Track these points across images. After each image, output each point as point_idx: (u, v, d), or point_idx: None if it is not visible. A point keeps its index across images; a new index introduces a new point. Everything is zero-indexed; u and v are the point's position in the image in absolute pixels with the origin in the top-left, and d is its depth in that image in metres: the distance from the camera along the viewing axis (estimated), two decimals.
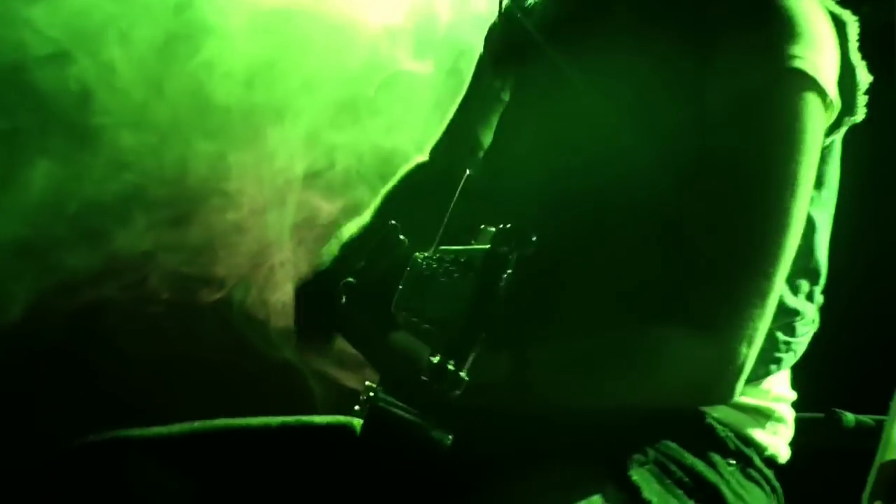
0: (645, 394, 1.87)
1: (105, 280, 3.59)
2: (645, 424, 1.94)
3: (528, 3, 2.46)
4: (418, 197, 2.60)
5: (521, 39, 2.39)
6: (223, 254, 3.80)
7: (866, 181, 2.45)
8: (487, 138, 2.51)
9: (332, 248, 2.46)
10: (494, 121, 2.47)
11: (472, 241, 1.82)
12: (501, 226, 1.56)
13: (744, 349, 1.82)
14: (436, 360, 1.50)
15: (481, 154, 2.50)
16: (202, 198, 3.75)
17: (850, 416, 3.12)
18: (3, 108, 3.56)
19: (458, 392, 1.54)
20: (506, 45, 2.47)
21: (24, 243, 3.51)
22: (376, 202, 2.60)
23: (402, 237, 2.08)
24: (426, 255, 1.94)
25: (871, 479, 3.00)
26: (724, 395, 1.86)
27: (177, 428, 2.26)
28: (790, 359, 2.08)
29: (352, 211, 3.05)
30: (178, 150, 3.65)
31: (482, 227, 1.70)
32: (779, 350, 2.04)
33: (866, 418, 3.12)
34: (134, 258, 3.65)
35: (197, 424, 2.27)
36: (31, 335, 3.52)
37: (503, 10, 2.41)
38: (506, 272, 1.53)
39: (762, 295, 1.86)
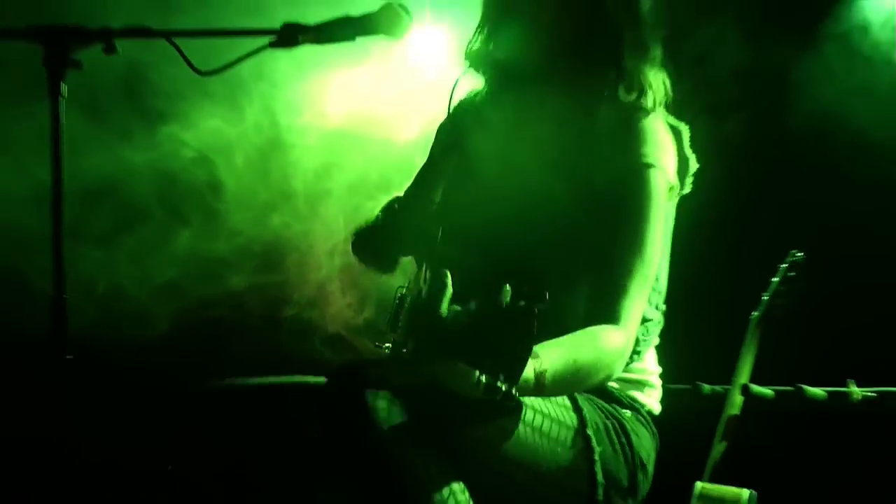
0: (605, 381, 2.24)
1: (220, 304, 4.33)
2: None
3: (472, 99, 2.69)
4: (392, 219, 2.78)
5: (465, 131, 2.65)
6: (296, 285, 4.56)
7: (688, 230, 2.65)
8: (434, 194, 2.70)
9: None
10: (439, 183, 2.71)
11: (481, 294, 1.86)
12: (523, 287, 1.71)
13: (635, 338, 2.26)
14: (485, 380, 1.70)
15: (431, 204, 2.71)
16: (286, 250, 4.53)
17: (706, 387, 4.02)
18: (162, 194, 4.31)
19: (513, 403, 1.81)
20: (453, 134, 2.70)
21: (172, 281, 4.23)
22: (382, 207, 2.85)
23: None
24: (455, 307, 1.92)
25: (719, 429, 3.83)
26: (622, 368, 2.24)
27: (269, 379, 2.43)
28: (647, 347, 2.44)
29: None
30: (270, 220, 4.44)
31: (504, 286, 1.72)
32: (639, 344, 2.38)
33: (719, 388, 3.99)
34: (239, 289, 4.40)
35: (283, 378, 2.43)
36: (176, 339, 4.22)
37: (451, 110, 2.67)
38: (535, 320, 1.67)
39: (644, 302, 2.30)
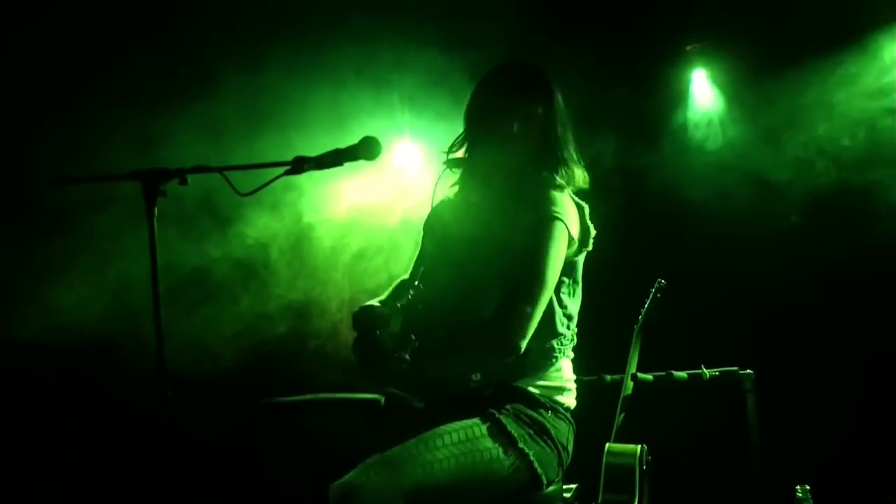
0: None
1: (270, 343, 4.37)
2: (504, 396, 2.26)
3: (446, 196, 2.59)
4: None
5: (441, 215, 2.56)
6: (318, 327, 4.57)
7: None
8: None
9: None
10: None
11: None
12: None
13: (522, 342, 2.17)
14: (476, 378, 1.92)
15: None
16: (311, 305, 4.53)
17: (608, 377, 3.97)
18: (231, 273, 4.27)
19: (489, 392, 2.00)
20: (433, 223, 2.58)
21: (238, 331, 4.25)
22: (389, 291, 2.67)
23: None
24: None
25: (619, 405, 3.81)
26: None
27: (320, 396, 2.36)
28: (562, 358, 2.35)
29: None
30: (300, 284, 4.41)
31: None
32: (556, 354, 2.33)
33: (616, 377, 3.95)
34: (282, 333, 4.40)
35: (327, 395, 2.37)
36: (241, 370, 4.19)
37: (432, 204, 2.57)
38: None
39: (534, 307, 2.20)
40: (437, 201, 2.56)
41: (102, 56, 3.79)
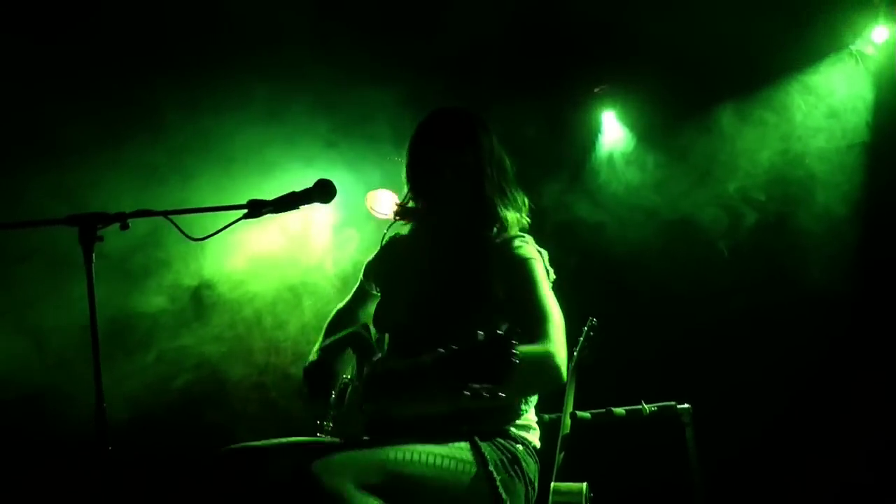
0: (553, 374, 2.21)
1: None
2: (487, 432, 2.31)
3: (396, 240, 2.63)
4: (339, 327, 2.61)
5: (395, 257, 2.61)
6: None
7: None
8: (363, 309, 2.70)
9: (314, 352, 2.53)
10: (368, 302, 2.68)
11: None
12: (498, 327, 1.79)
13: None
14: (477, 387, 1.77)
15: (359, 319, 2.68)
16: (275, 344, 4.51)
17: (546, 416, 3.85)
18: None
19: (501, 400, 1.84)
20: (382, 264, 2.64)
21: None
22: (322, 333, 2.70)
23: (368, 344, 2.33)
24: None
25: (558, 444, 3.79)
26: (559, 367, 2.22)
27: (284, 440, 2.31)
28: (533, 402, 2.45)
29: None
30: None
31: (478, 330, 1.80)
32: (528, 400, 2.42)
33: (554, 416, 3.90)
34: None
35: (293, 439, 2.33)
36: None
37: (383, 243, 2.63)
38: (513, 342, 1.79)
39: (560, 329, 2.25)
40: (384, 245, 2.60)
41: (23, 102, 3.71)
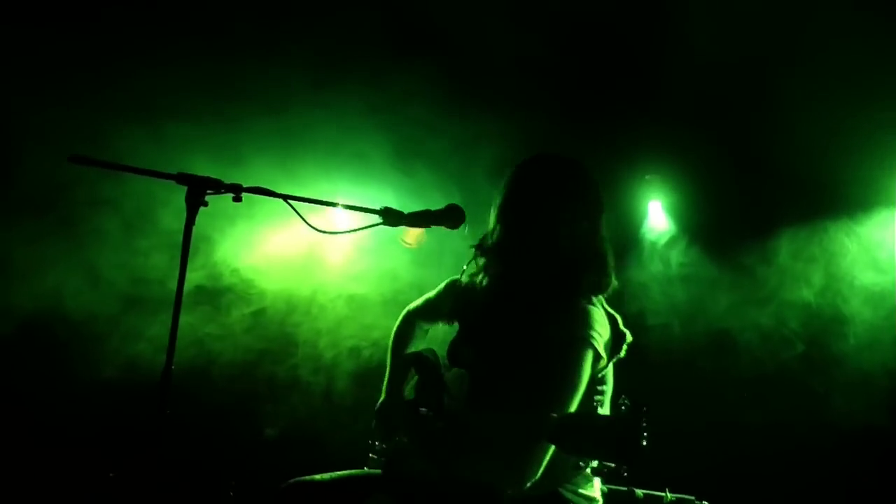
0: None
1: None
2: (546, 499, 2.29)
3: (475, 281, 2.54)
4: (408, 341, 2.74)
5: (468, 304, 2.54)
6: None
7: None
8: (431, 322, 2.73)
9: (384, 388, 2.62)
10: (437, 318, 2.69)
11: None
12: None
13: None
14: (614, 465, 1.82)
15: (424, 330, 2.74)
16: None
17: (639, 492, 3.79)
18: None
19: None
20: (458, 299, 2.58)
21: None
22: (389, 351, 2.75)
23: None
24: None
25: None
26: None
27: (343, 473, 2.35)
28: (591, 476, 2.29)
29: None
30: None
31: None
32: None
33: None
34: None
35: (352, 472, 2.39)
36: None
37: (461, 279, 2.57)
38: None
39: None
40: (465, 288, 2.56)
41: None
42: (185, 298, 2.25)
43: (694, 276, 4.80)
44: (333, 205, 2.39)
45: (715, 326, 4.60)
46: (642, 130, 4.40)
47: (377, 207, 2.37)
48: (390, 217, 2.32)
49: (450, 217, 2.36)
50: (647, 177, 4.93)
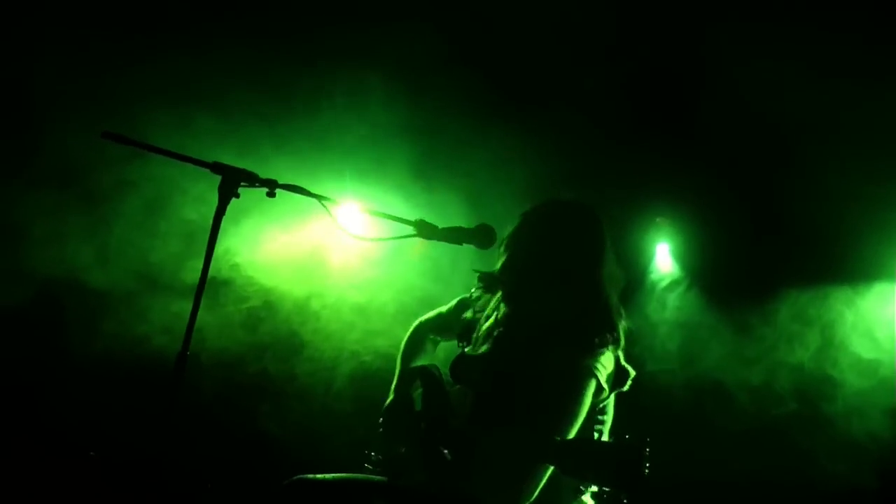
0: None
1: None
2: None
3: (483, 300, 2.62)
4: (418, 352, 2.78)
5: (475, 323, 2.60)
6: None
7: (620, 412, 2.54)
8: (441, 335, 2.79)
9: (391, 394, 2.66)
10: (446, 333, 2.75)
11: None
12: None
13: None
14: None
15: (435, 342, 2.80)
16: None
17: None
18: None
19: None
20: (467, 315, 2.64)
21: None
22: (399, 359, 2.79)
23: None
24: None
25: None
26: None
27: (346, 475, 2.37)
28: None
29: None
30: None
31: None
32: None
33: None
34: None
35: (349, 475, 2.40)
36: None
37: (472, 295, 2.64)
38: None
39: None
40: (473, 305, 2.60)
41: None
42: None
43: (689, 323, 4.82)
44: (369, 212, 2.38)
45: (709, 376, 4.62)
46: (663, 172, 4.45)
47: (411, 219, 2.36)
48: (424, 229, 2.31)
49: (481, 237, 2.36)
50: (657, 219, 4.97)
